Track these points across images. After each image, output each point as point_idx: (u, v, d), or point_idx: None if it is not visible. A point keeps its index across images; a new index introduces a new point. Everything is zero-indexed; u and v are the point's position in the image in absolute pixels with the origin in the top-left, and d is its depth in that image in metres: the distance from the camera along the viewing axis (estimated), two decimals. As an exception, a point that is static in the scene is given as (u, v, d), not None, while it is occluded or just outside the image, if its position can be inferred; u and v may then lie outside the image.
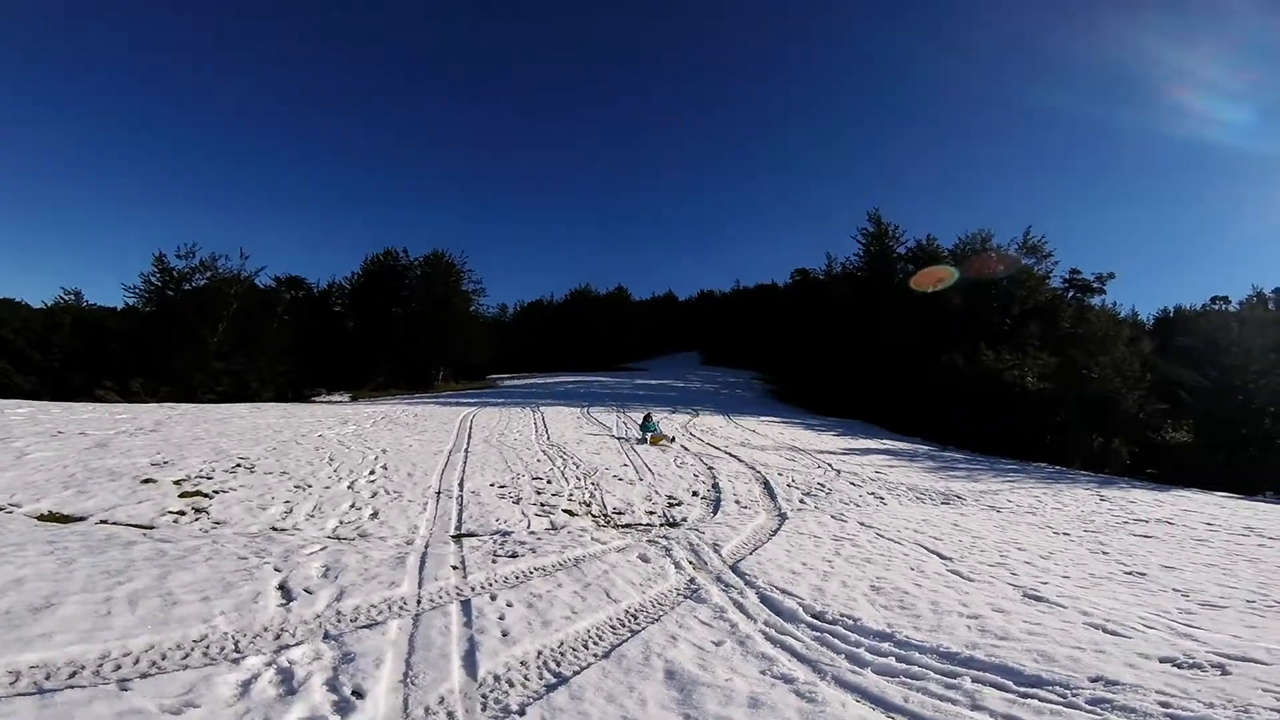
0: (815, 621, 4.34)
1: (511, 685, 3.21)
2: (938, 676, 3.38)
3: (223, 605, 3.72)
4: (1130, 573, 6.46)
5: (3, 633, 3.08)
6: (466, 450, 11.16)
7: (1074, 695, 3.15)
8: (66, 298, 23.17)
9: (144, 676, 2.92)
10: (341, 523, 6.71)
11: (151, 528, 5.87)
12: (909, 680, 3.35)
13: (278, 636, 3.50)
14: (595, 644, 3.79)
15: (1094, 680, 3.32)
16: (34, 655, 2.93)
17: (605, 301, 43.19)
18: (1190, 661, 3.58)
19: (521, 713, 2.93)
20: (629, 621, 4.20)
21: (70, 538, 4.96)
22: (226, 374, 23.69)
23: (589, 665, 3.46)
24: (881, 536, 7.39)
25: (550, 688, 3.19)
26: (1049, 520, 9.45)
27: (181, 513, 6.55)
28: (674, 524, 7.69)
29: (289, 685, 2.97)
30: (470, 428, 14.12)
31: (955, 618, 4.45)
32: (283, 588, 4.26)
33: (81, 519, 5.88)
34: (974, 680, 3.33)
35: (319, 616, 3.82)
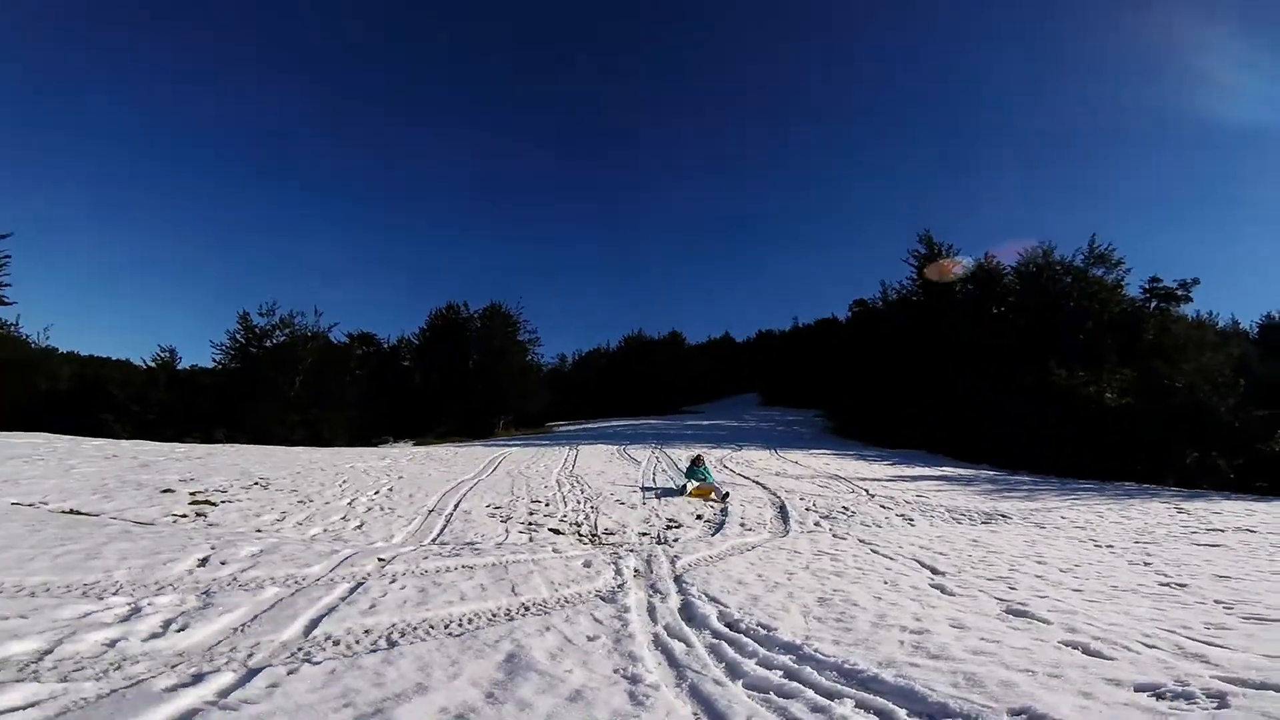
0: (722, 629, 4.05)
1: (335, 644, 3.28)
2: (813, 696, 2.93)
3: (134, 564, 4.06)
4: (1167, 584, 5.64)
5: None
6: (481, 479, 11.40)
7: None
8: (163, 355, 26.14)
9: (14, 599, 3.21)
10: (325, 529, 7.03)
11: (150, 524, 6.39)
12: (774, 697, 2.94)
13: (160, 589, 3.73)
14: (458, 626, 3.75)
15: (1015, 713, 2.71)
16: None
17: (659, 346, 43.54)
18: (1178, 691, 2.86)
19: (319, 663, 3.01)
20: (518, 612, 4.11)
21: (62, 521, 5.51)
22: (302, 423, 25.57)
23: (429, 639, 3.43)
24: (875, 553, 6.83)
25: (370, 650, 3.23)
26: (1097, 534, 8.41)
27: (184, 515, 7.11)
28: (663, 543, 7.47)
29: (130, 618, 3.16)
30: (499, 462, 14.44)
31: (895, 632, 3.94)
32: (203, 561, 4.55)
33: (95, 515, 6.51)
34: (856, 704, 2.85)
35: (215, 580, 4.04)
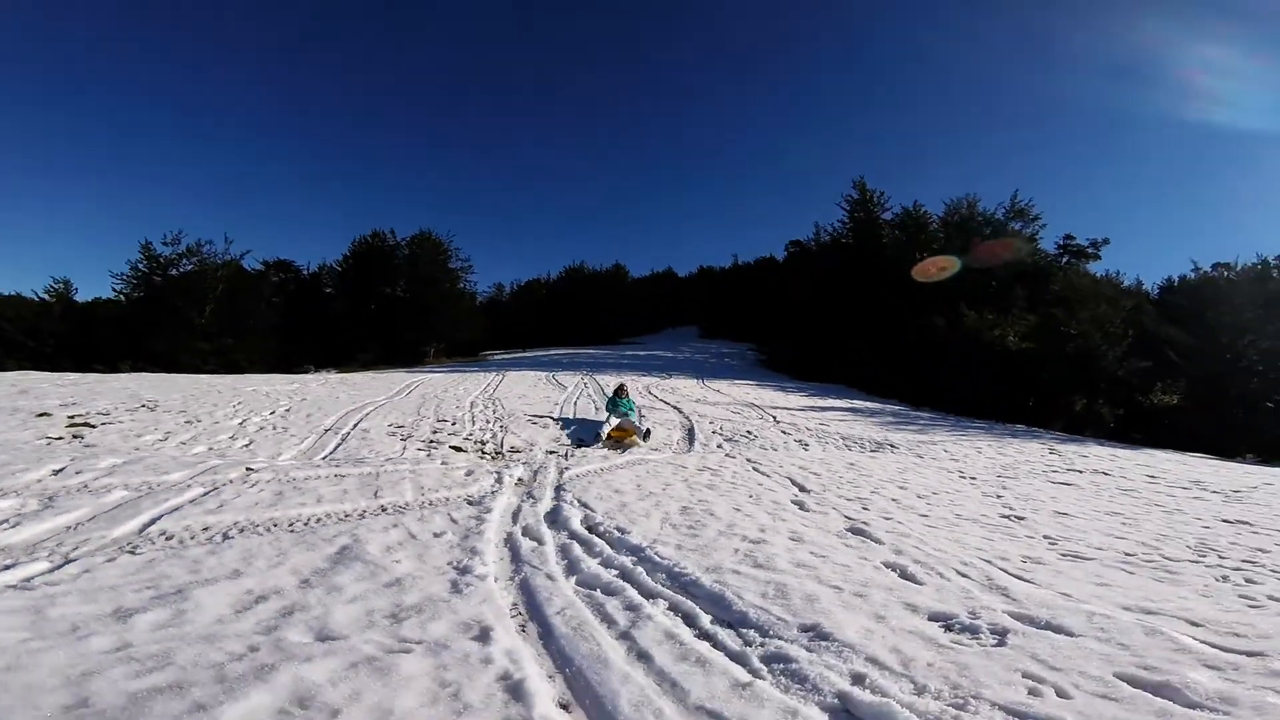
0: (580, 530, 4.22)
1: (168, 539, 3.31)
2: (633, 595, 3.08)
3: None
4: (1008, 516, 5.98)
5: None
6: (390, 402, 11.24)
7: (757, 644, 2.65)
8: (56, 286, 24.04)
9: None
10: (209, 448, 6.85)
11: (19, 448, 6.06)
12: (596, 594, 3.10)
13: (1, 495, 3.66)
14: (303, 525, 3.80)
15: (804, 630, 2.77)
16: None
17: (601, 278, 43.22)
18: (966, 624, 2.90)
19: (140, 553, 3.05)
20: (371, 513, 4.17)
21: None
22: (214, 353, 24.31)
23: (265, 535, 3.49)
24: (756, 470, 7.21)
25: (200, 544, 3.28)
26: (965, 467, 9.08)
27: (58, 438, 6.76)
28: (566, 458, 7.62)
29: None
30: (415, 387, 14.23)
31: (735, 541, 4.14)
32: (57, 471, 4.44)
33: (-53, 438, 6.10)
34: (669, 606, 3.00)
35: (64, 487, 4.03)
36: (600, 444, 8.62)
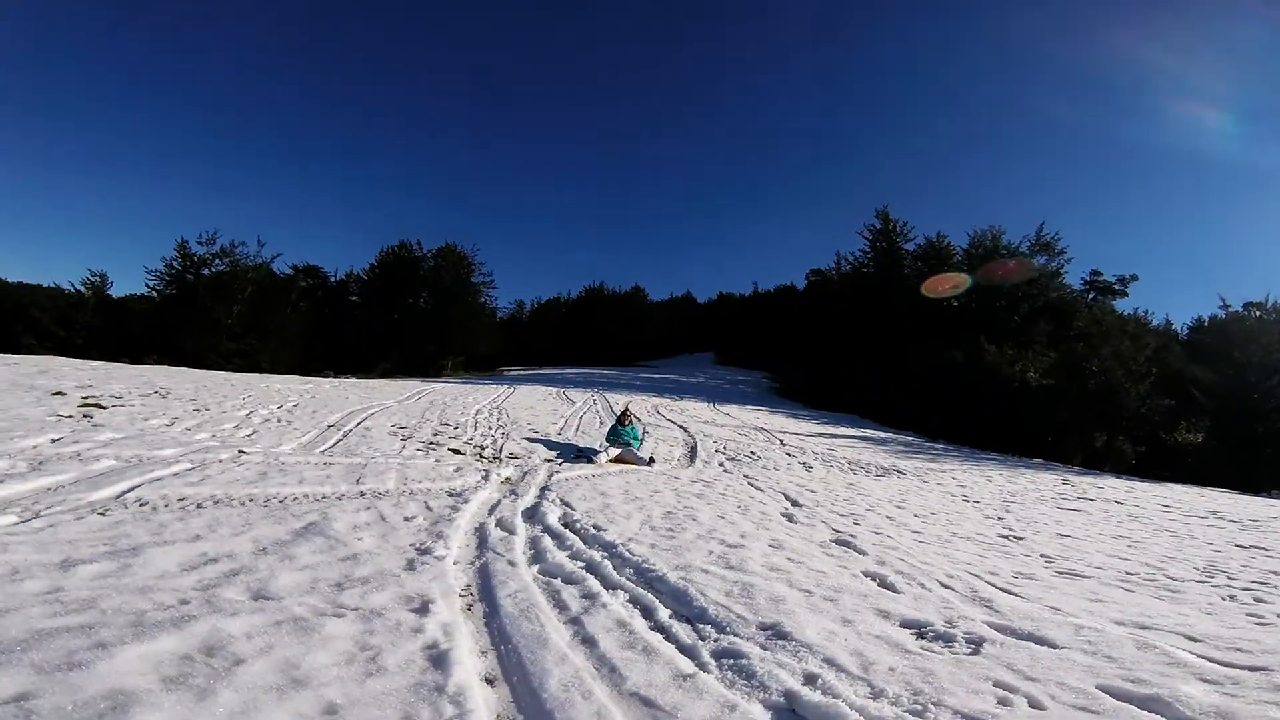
0: (555, 526, 4.20)
1: (142, 505, 3.39)
2: (593, 585, 3.04)
3: None
4: (1006, 536, 5.78)
5: None
6: (397, 405, 11.35)
7: (711, 639, 2.58)
8: (93, 279, 24.98)
9: None
10: (213, 435, 6.95)
11: (26, 420, 6.24)
12: (555, 582, 3.06)
13: None
14: (278, 502, 3.85)
15: (763, 629, 2.68)
16: None
17: (619, 300, 43.41)
18: (940, 632, 2.76)
19: (107, 514, 3.14)
20: (348, 496, 4.20)
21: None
22: (239, 353, 24.93)
23: (238, 508, 3.53)
24: (751, 485, 7.12)
25: (172, 511, 3.33)
26: (971, 493, 8.83)
27: (69, 416, 6.93)
28: (560, 464, 7.60)
29: None
30: (425, 394, 14.36)
31: (712, 544, 4.05)
32: (55, 440, 4.55)
33: (-39, 410, 6.30)
34: (629, 599, 2.95)
35: (57, 454, 4.13)
36: (597, 463, 8.20)
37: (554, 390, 19.09)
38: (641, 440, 9.84)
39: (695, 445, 10.94)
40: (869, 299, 27.78)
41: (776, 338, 36.70)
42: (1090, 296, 25.67)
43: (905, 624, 2.89)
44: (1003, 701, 2.14)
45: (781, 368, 33.69)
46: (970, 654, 2.55)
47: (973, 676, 2.31)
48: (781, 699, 2.11)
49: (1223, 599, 3.82)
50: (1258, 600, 3.81)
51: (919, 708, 2.06)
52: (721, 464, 9.53)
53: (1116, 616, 3.23)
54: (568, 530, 4.10)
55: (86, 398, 8.02)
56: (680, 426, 13.49)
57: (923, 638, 2.74)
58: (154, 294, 25.46)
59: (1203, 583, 4.27)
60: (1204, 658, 2.59)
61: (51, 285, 26.10)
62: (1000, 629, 2.85)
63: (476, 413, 11.33)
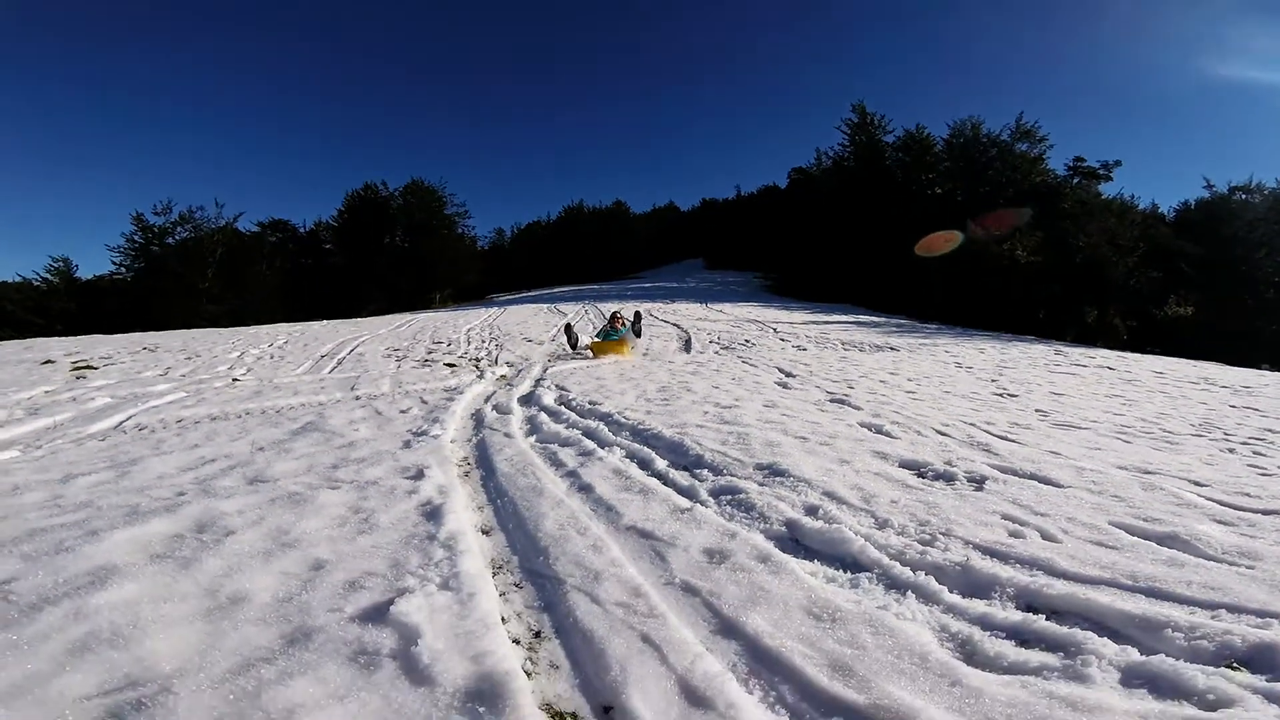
0: (552, 404, 4.26)
1: (140, 429, 3.47)
2: (590, 445, 3.10)
3: None
4: (1000, 394, 5.73)
5: None
6: (387, 332, 11.30)
7: (708, 481, 2.59)
8: (56, 265, 24.27)
9: None
10: (207, 375, 6.95)
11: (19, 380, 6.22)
12: (551, 446, 3.13)
13: None
14: (275, 412, 3.93)
15: (759, 468, 2.67)
16: None
17: (601, 215, 42.41)
18: (940, 471, 2.71)
19: (106, 440, 3.24)
20: (344, 401, 4.24)
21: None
22: (224, 315, 24.60)
23: (235, 420, 3.56)
24: (745, 363, 7.17)
25: (171, 430, 3.35)
26: (963, 361, 8.91)
27: (62, 376, 6.91)
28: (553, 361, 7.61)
29: None
30: (414, 322, 14.28)
31: (707, 408, 4.07)
32: (49, 391, 4.59)
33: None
34: (626, 454, 3.00)
35: (53, 401, 4.22)
36: (576, 349, 8.38)
37: (544, 307, 19.01)
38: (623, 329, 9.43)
39: (689, 339, 11.00)
40: (853, 192, 27.37)
41: (764, 238, 36.05)
42: (1075, 181, 25.23)
43: (904, 464, 2.87)
44: (1014, 534, 2.07)
45: (772, 266, 33.41)
46: (974, 490, 2.50)
47: (979, 510, 2.26)
48: (783, 528, 2.11)
49: (1221, 451, 3.73)
50: (1256, 454, 3.68)
51: (927, 537, 2.02)
52: (716, 351, 9.61)
53: (1117, 462, 3.17)
54: (564, 408, 4.18)
55: (76, 362, 7.96)
56: (674, 325, 13.51)
57: (923, 476, 2.70)
58: (123, 270, 24.83)
59: (1199, 436, 4.18)
60: (1214, 500, 2.49)
61: (17, 279, 25.36)
62: (1002, 469, 2.80)
63: (469, 331, 11.31)
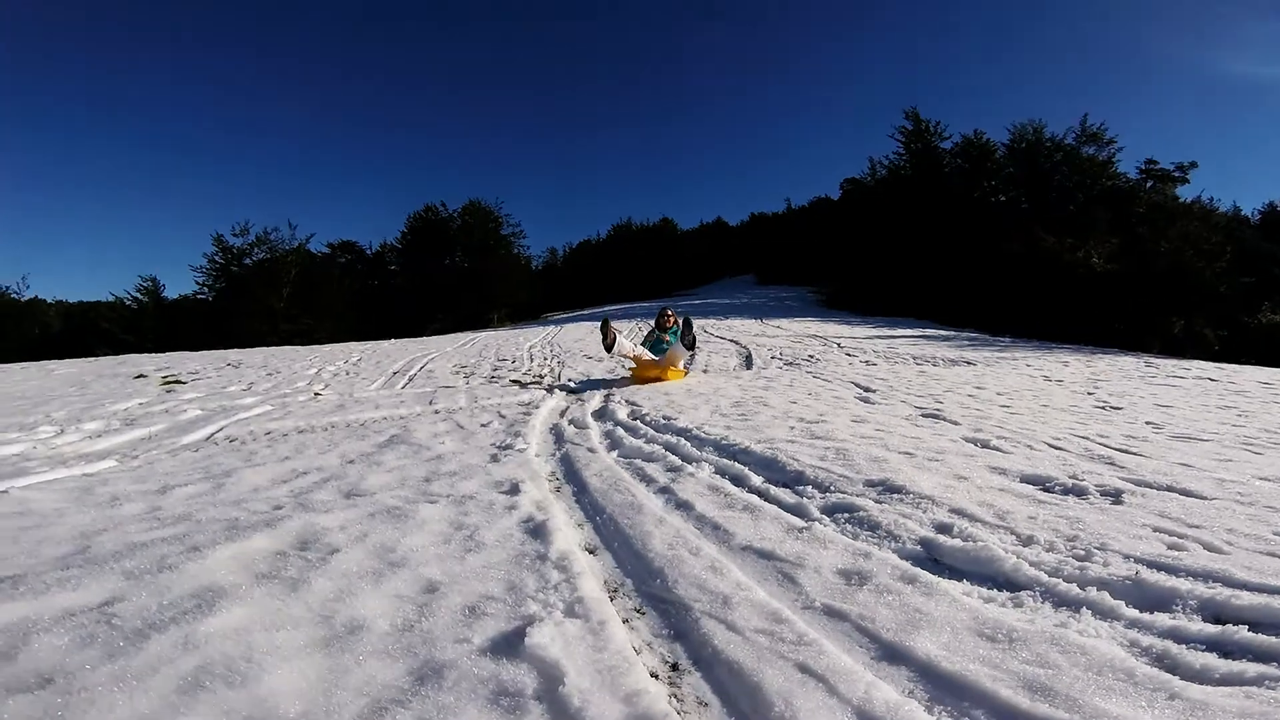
0: (625, 419, 4.16)
1: (230, 440, 3.50)
2: (674, 460, 2.97)
3: (74, 408, 4.44)
4: (1102, 407, 5.30)
5: None
6: (454, 350, 11.55)
7: (816, 498, 2.41)
8: (145, 284, 26.18)
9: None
10: (289, 390, 7.21)
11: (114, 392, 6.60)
12: (636, 461, 3.00)
13: (91, 420, 4.04)
14: (360, 425, 3.94)
15: (871, 485, 2.48)
16: None
17: (649, 232, 42.66)
18: (1068, 486, 2.51)
19: (198, 450, 3.16)
20: (425, 415, 4.24)
21: (24, 389, 5.70)
22: (296, 334, 25.90)
23: (323, 433, 3.58)
24: (816, 378, 6.88)
25: (261, 442, 3.31)
26: (1050, 373, 8.32)
27: (154, 389, 7.31)
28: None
29: (48, 438, 3.35)
30: (477, 339, 14.58)
31: (791, 422, 3.85)
32: (142, 404, 4.75)
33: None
34: (715, 470, 2.83)
35: (146, 413, 4.33)
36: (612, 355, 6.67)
37: (598, 324, 19.11)
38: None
39: (749, 354, 10.74)
40: (910, 201, 26.57)
41: (817, 251, 35.36)
42: (1149, 185, 23.67)
43: (1025, 479, 2.65)
44: (1174, 547, 1.91)
45: (826, 280, 32.64)
46: (1112, 504, 2.32)
47: (1126, 524, 2.09)
48: (918, 547, 1.94)
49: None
50: None
51: (1081, 553, 1.86)
52: (780, 368, 9.32)
53: (1256, 474, 2.85)
54: (638, 423, 4.06)
55: (166, 376, 8.42)
56: (731, 341, 13.29)
57: (1049, 491, 2.49)
58: (205, 290, 26.53)
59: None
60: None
61: (111, 298, 27.52)
62: (1134, 482, 2.57)
63: (530, 348, 11.43)
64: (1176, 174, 24.99)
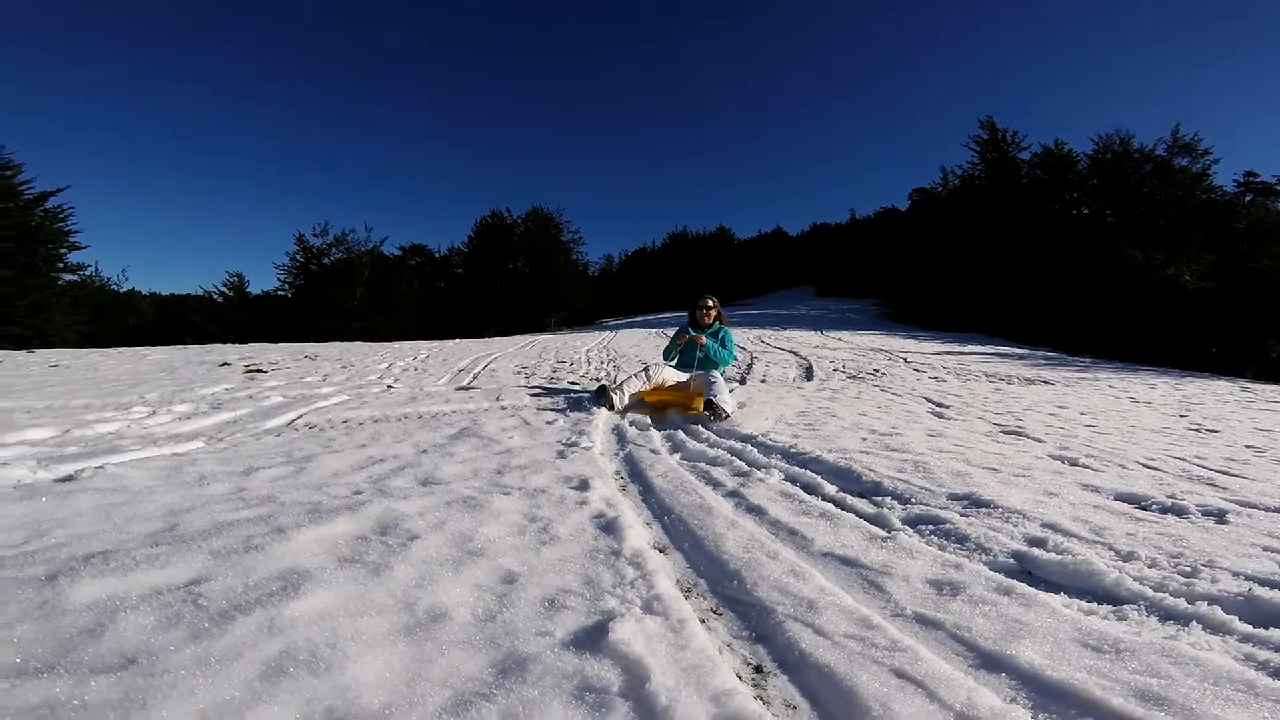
0: (685, 424, 4.11)
1: (310, 427, 3.68)
2: (741, 465, 2.90)
3: (166, 390, 4.78)
4: (1196, 429, 4.95)
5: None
6: (515, 351, 11.79)
7: (897, 509, 2.31)
8: (231, 279, 28.20)
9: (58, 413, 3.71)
10: (363, 381, 7.54)
11: (202, 377, 7.07)
12: (701, 465, 2.94)
13: (181, 402, 4.31)
14: (432, 417, 4.02)
15: (954, 499, 2.39)
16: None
17: (706, 241, 42.59)
18: (1167, 505, 2.40)
19: (280, 435, 3.47)
20: (492, 410, 4.33)
21: (118, 373, 6.18)
22: (367, 331, 27.20)
23: (397, 423, 3.71)
24: (884, 391, 6.64)
25: (338, 429, 3.48)
26: (1137, 395, 7.71)
27: (237, 376, 7.78)
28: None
29: (141, 418, 3.61)
30: (536, 342, 14.86)
31: (862, 434, 3.71)
32: (229, 389, 5.04)
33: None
34: (785, 477, 2.74)
35: (232, 398, 4.67)
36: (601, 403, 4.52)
37: (653, 331, 19.17)
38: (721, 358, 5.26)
39: (810, 366, 10.47)
40: (984, 213, 25.42)
41: (882, 264, 34.34)
42: (1248, 199, 21.76)
43: (1119, 497, 2.53)
44: None
45: (892, 293, 31.58)
46: (1216, 524, 2.22)
47: (1233, 543, 1.98)
48: (1010, 560, 1.85)
49: None
50: None
51: (1187, 569, 1.77)
52: (843, 380, 9.03)
53: None
54: (699, 427, 3.99)
55: (248, 365, 8.95)
56: (790, 352, 12.99)
57: (1146, 510, 2.37)
58: (285, 286, 28.28)
59: None
60: None
61: (200, 292, 29.74)
62: (1239, 503, 2.45)
63: (587, 352, 11.57)
64: (1279, 187, 23.00)
